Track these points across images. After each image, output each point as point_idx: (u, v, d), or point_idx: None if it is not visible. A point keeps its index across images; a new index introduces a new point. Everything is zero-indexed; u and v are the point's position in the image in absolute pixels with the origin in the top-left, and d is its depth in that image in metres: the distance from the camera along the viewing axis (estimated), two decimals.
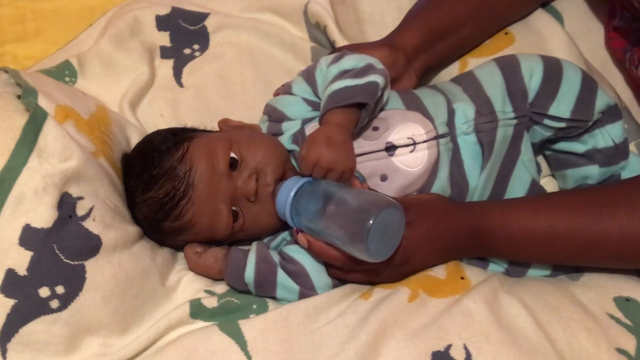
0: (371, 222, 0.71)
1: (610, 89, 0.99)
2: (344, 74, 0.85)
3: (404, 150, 0.86)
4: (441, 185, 0.87)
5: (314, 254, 0.81)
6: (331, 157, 0.78)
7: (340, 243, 0.76)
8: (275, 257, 0.84)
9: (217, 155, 0.85)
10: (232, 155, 0.86)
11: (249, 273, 0.83)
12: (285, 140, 0.91)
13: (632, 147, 0.96)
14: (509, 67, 0.91)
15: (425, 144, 0.86)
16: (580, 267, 0.87)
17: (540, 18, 1.03)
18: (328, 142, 0.79)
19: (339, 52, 0.91)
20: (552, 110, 0.89)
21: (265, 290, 0.84)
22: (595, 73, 1.00)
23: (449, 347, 0.73)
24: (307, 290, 0.83)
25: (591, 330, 0.76)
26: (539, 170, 0.97)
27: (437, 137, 0.87)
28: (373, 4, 1.05)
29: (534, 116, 0.90)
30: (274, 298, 0.85)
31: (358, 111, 0.84)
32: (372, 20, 1.05)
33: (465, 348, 0.73)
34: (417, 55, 0.95)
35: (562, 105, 0.89)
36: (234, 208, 0.86)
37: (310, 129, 0.89)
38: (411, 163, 0.86)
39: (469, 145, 0.88)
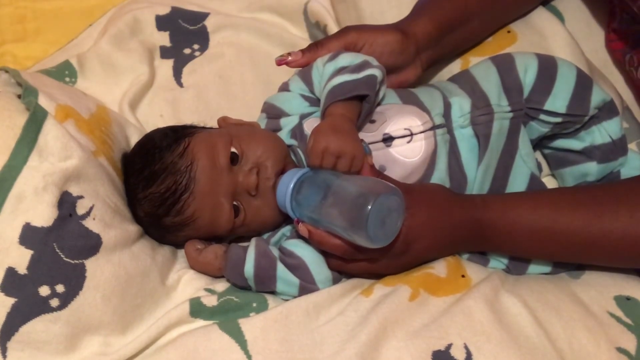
0: (369, 207, 0.72)
1: (612, 88, 1.00)
2: (341, 71, 0.85)
3: (401, 141, 0.87)
4: (440, 177, 0.87)
5: (315, 243, 0.81)
6: (339, 143, 0.78)
7: (340, 230, 0.76)
8: (275, 252, 0.84)
9: (218, 150, 0.86)
10: (233, 150, 0.86)
11: (249, 268, 0.83)
12: (284, 135, 0.91)
13: (633, 146, 0.96)
14: (504, 64, 0.92)
15: (422, 134, 0.87)
16: (581, 265, 0.87)
17: (542, 17, 1.03)
18: (334, 129, 0.79)
19: (342, 32, 0.90)
20: (548, 105, 0.89)
21: (265, 285, 0.84)
22: (596, 73, 1.00)
23: (449, 346, 0.74)
24: (307, 283, 0.83)
25: (592, 329, 0.76)
26: (540, 170, 0.97)
27: (434, 127, 0.88)
28: (373, 3, 1.05)
29: (530, 112, 0.90)
30: (274, 294, 0.85)
31: (359, 104, 0.84)
32: (372, 19, 1.04)
33: (466, 347, 0.73)
34: (427, 45, 0.94)
35: (558, 101, 0.89)
36: (235, 203, 0.86)
37: (308, 123, 0.90)
38: (409, 153, 0.87)
39: (465, 138, 0.89)
